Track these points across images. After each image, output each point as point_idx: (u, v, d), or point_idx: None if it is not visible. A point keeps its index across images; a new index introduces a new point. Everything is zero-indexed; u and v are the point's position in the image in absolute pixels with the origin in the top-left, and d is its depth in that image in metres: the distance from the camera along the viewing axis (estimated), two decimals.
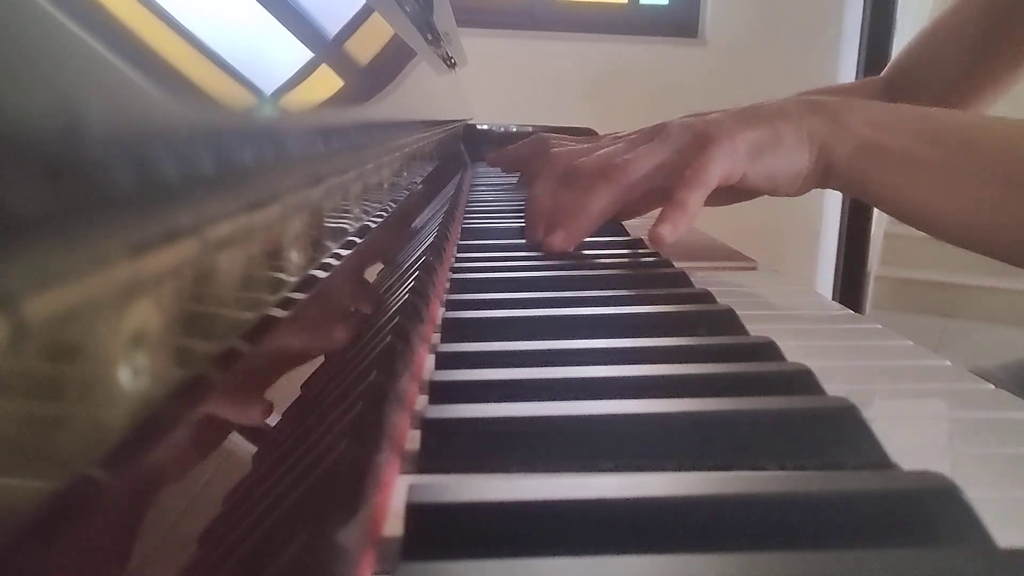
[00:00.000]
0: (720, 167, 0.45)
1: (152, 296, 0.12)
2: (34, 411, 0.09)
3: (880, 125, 0.46)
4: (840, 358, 0.32)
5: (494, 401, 0.23)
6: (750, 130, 0.47)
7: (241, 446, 0.21)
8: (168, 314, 0.12)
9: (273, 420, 0.23)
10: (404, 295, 0.30)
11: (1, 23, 0.09)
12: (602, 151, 0.52)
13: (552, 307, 0.34)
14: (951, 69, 0.76)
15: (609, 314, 0.33)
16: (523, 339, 0.29)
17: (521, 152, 0.81)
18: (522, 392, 0.23)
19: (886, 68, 0.84)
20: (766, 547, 0.16)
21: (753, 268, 0.51)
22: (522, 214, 0.68)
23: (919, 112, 0.48)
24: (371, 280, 0.40)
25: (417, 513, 0.16)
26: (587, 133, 1.29)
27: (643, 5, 2.40)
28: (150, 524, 0.15)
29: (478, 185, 0.98)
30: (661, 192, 0.48)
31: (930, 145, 0.45)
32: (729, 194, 0.50)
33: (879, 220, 2.26)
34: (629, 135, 0.55)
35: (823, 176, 0.48)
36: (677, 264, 0.46)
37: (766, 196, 0.52)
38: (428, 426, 0.21)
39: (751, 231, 1.51)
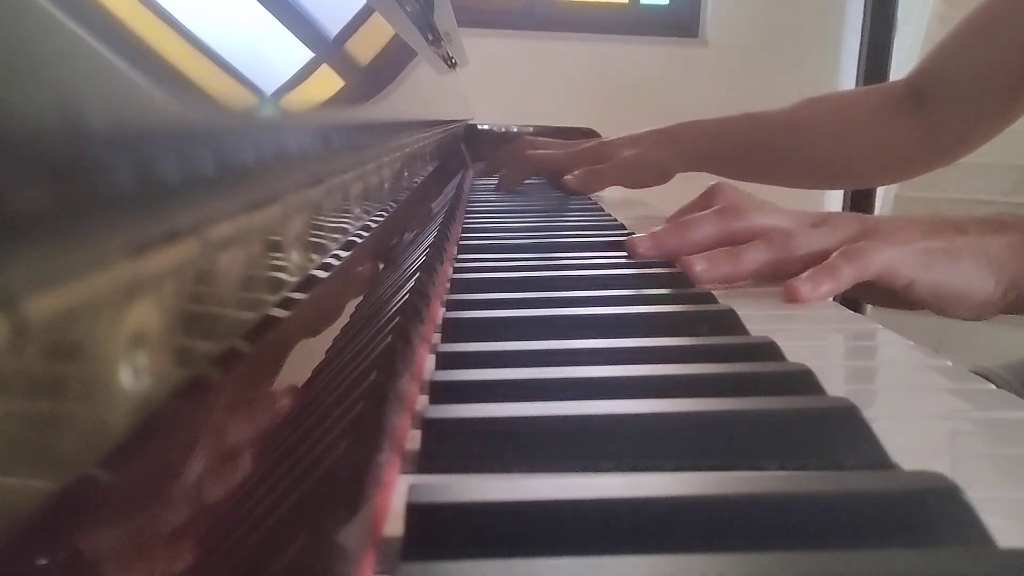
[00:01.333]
0: (885, 260, 0.42)
1: (152, 296, 0.12)
2: (34, 411, 0.09)
3: None
4: (840, 358, 0.32)
5: (494, 401, 0.23)
6: (922, 238, 0.43)
7: (241, 446, 0.21)
8: (168, 314, 0.12)
9: (273, 420, 0.23)
10: (405, 295, 0.30)
11: (1, 23, 0.09)
12: (770, 209, 0.49)
13: (553, 307, 0.34)
14: (993, 73, 0.74)
15: (609, 314, 0.33)
16: (523, 339, 0.29)
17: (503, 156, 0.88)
18: (522, 392, 0.23)
19: (910, 72, 0.83)
20: (766, 547, 0.16)
21: None
22: (523, 215, 0.69)
23: None
24: (370, 281, 0.40)
25: (417, 513, 0.16)
26: (588, 133, 1.29)
27: (643, 5, 2.40)
28: (150, 524, 0.15)
29: (479, 185, 0.98)
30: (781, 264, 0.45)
31: None
32: (890, 298, 0.46)
33: None
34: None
35: (1012, 305, 0.44)
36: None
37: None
38: (428, 426, 0.21)
39: None
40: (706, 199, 0.53)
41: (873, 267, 0.42)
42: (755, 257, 0.45)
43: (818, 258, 0.43)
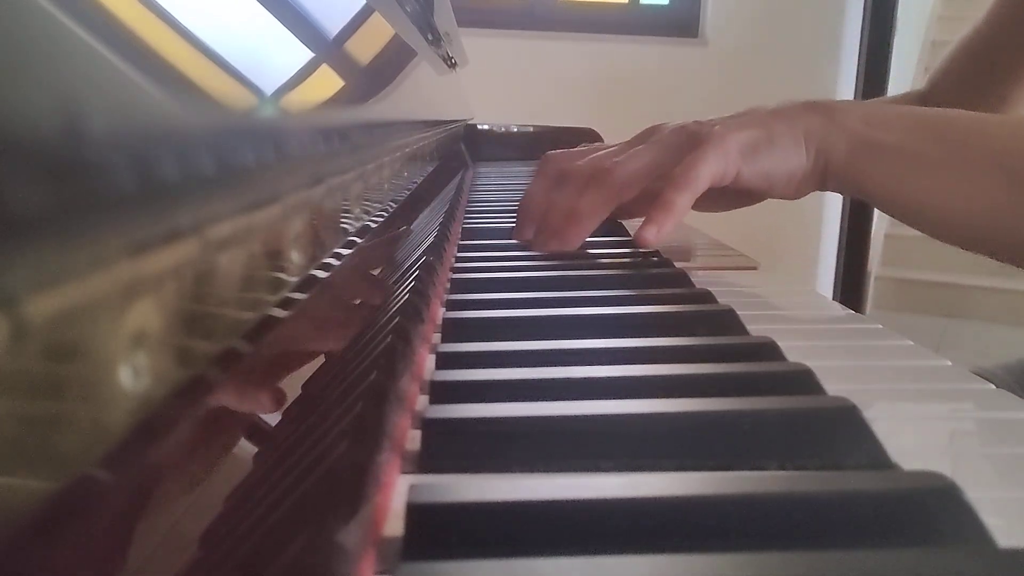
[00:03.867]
0: (710, 167, 0.45)
1: (152, 296, 0.12)
2: (34, 411, 0.09)
3: (877, 123, 0.46)
4: (840, 358, 0.32)
5: (494, 401, 0.23)
6: (743, 130, 0.46)
7: (241, 446, 0.21)
8: (168, 314, 0.12)
9: (273, 420, 0.23)
10: (405, 295, 0.30)
11: (1, 23, 0.09)
12: (595, 154, 0.52)
13: (552, 307, 0.34)
14: (986, 85, 0.76)
15: (609, 314, 0.33)
16: (523, 339, 0.29)
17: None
18: (522, 392, 0.23)
19: (926, 81, 0.85)
20: (766, 547, 0.16)
21: (753, 268, 0.51)
22: None
23: (918, 111, 0.48)
24: (371, 280, 0.40)
25: (418, 513, 0.16)
26: (588, 133, 1.29)
27: (643, 5, 2.40)
28: (150, 524, 0.15)
29: (478, 185, 0.98)
30: (653, 192, 0.47)
31: (929, 142, 0.44)
32: (727, 199, 0.50)
33: (879, 220, 2.26)
34: (624, 142, 0.55)
35: (821, 177, 0.47)
36: (678, 265, 0.46)
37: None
38: (429, 426, 0.21)
39: (751, 231, 1.51)
40: (543, 177, 0.55)
41: (701, 180, 0.44)
42: (594, 205, 0.47)
43: (649, 170, 0.47)
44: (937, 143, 0.44)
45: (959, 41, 0.80)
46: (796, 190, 0.48)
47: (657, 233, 0.44)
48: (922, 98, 0.84)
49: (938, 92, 0.82)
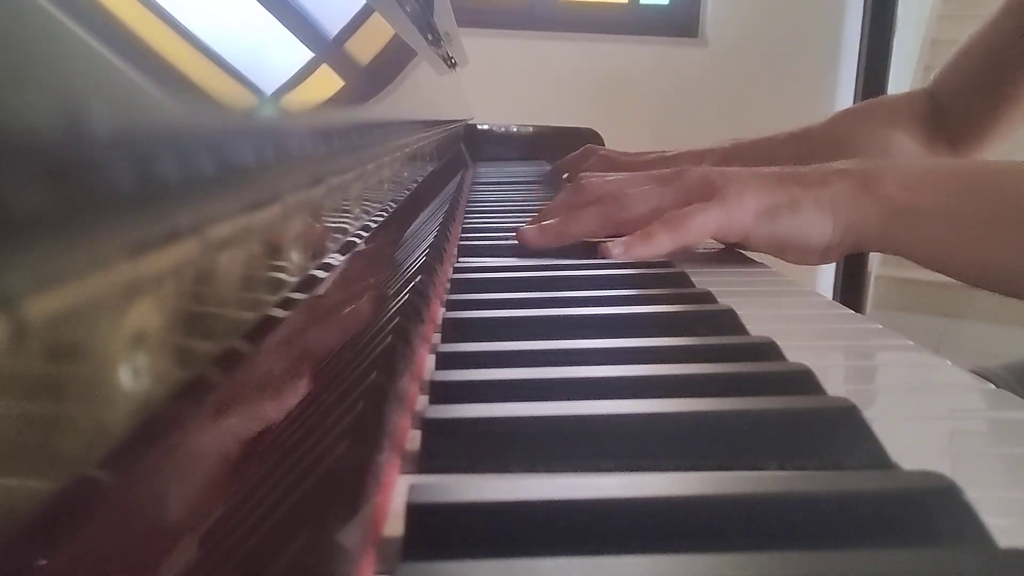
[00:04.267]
0: (711, 224, 0.45)
1: (152, 296, 0.12)
2: (34, 411, 0.09)
3: (913, 186, 0.45)
4: (840, 358, 0.32)
5: (494, 401, 0.23)
6: (764, 192, 0.46)
7: (242, 446, 0.21)
8: (168, 314, 0.12)
9: (273, 420, 0.23)
10: (405, 295, 0.30)
11: (1, 23, 0.09)
12: (618, 179, 0.52)
13: (552, 307, 0.34)
14: (993, 85, 0.77)
15: (609, 314, 0.33)
16: (523, 339, 0.29)
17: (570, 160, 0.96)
18: (522, 392, 0.23)
19: (931, 81, 0.86)
20: (766, 547, 0.16)
21: (754, 268, 0.51)
22: (523, 215, 0.69)
23: (952, 165, 0.48)
24: (371, 281, 0.40)
25: (418, 513, 0.16)
26: (588, 133, 1.29)
27: (643, 5, 2.40)
28: (150, 524, 0.15)
29: (478, 185, 0.98)
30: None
31: (965, 199, 0.44)
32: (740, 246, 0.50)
33: None
34: (657, 166, 0.55)
35: (853, 246, 0.46)
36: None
37: None
38: (429, 426, 0.21)
39: None
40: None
41: (695, 232, 0.45)
42: (584, 220, 0.48)
43: (655, 215, 0.46)
44: (972, 199, 0.44)
45: (967, 39, 0.80)
46: (818, 258, 0.47)
47: (622, 254, 0.45)
48: (928, 97, 0.84)
49: (945, 91, 0.83)
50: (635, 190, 0.49)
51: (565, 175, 1.01)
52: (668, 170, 0.51)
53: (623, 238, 0.45)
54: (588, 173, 0.56)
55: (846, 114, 0.91)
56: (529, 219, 0.54)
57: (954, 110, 0.81)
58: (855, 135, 0.86)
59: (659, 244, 0.45)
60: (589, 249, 0.49)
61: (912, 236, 0.45)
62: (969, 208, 0.44)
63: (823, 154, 0.86)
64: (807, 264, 0.48)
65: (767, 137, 0.88)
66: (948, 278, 0.47)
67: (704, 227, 0.45)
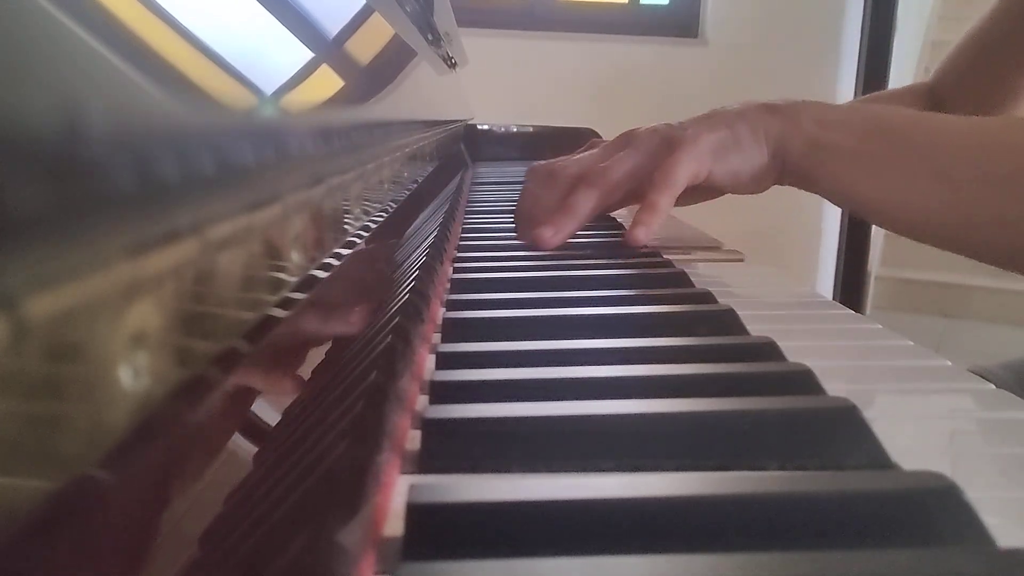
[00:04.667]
0: (686, 169, 0.49)
1: (152, 296, 0.12)
2: (34, 411, 0.09)
3: (829, 124, 0.49)
4: (840, 358, 0.32)
5: (494, 401, 0.23)
6: (712, 132, 0.51)
7: (242, 446, 0.21)
8: (168, 314, 0.12)
9: (273, 420, 0.23)
10: (404, 295, 0.30)
11: (1, 23, 0.09)
12: (579, 158, 0.57)
13: (552, 307, 0.34)
14: (990, 78, 0.78)
15: (609, 314, 0.33)
16: (523, 339, 0.29)
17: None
18: (522, 392, 0.23)
19: (932, 75, 0.86)
20: (766, 547, 0.16)
21: (740, 260, 0.54)
22: None
23: (873, 112, 0.51)
24: (371, 281, 0.40)
25: (418, 513, 0.16)
26: (588, 133, 1.29)
27: (643, 5, 2.40)
28: (150, 524, 0.15)
29: (478, 185, 0.98)
30: (636, 192, 0.52)
31: (875, 142, 0.48)
32: (696, 194, 0.54)
33: None
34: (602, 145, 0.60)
35: (779, 173, 0.51)
36: (664, 254, 0.46)
37: (765, 197, 0.55)
38: (428, 426, 0.21)
39: (751, 231, 1.51)
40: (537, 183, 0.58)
41: (680, 181, 0.50)
42: (585, 201, 0.52)
43: (632, 175, 0.52)
44: (882, 143, 0.48)
45: (967, 33, 0.81)
46: (758, 186, 0.52)
47: (646, 233, 0.49)
48: (929, 91, 0.84)
49: (945, 85, 0.83)
50: (611, 161, 0.53)
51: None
52: (617, 137, 0.56)
53: (635, 219, 0.50)
54: (535, 164, 0.59)
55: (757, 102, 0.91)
56: (515, 224, 0.57)
57: (955, 105, 0.82)
58: None
59: (663, 206, 0.49)
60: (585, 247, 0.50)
61: (825, 171, 0.49)
62: (876, 150, 0.48)
63: None
64: (749, 193, 0.53)
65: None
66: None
67: (684, 176, 0.49)
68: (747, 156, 0.51)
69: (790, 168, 0.50)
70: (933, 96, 0.84)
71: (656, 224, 0.50)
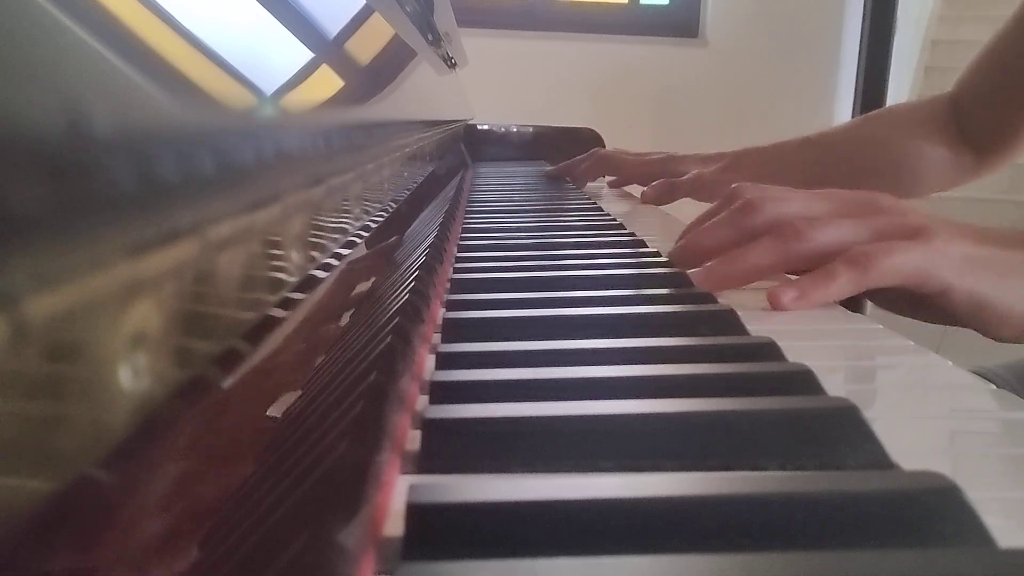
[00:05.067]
0: (913, 266, 0.37)
1: (152, 296, 0.12)
2: (34, 411, 0.09)
3: None
4: (840, 358, 0.32)
5: (494, 401, 0.23)
6: (972, 245, 0.39)
7: (242, 446, 0.21)
8: (168, 314, 0.12)
9: (273, 420, 0.23)
10: (404, 295, 0.30)
11: (1, 23, 0.09)
12: (784, 195, 0.44)
13: (552, 307, 0.34)
14: (1012, 89, 0.76)
15: (609, 314, 0.33)
16: (523, 339, 0.29)
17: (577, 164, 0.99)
18: (522, 392, 0.23)
19: (954, 84, 0.84)
20: (766, 547, 0.16)
21: None
22: (522, 214, 0.69)
23: None
24: (371, 281, 0.40)
25: (418, 513, 0.16)
26: (588, 133, 1.29)
27: (643, 5, 2.40)
28: (150, 524, 0.15)
29: (478, 185, 0.98)
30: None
31: None
32: (915, 308, 0.42)
33: None
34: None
35: None
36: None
37: None
38: (429, 426, 0.21)
39: None
40: (726, 201, 0.47)
41: (891, 273, 0.37)
42: (758, 257, 0.41)
43: (843, 249, 0.38)
44: None
45: (987, 44, 0.79)
46: (1013, 332, 0.40)
47: (795, 301, 0.38)
48: (951, 103, 0.83)
49: (966, 97, 0.81)
50: (820, 218, 0.41)
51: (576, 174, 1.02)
52: (857, 194, 0.43)
53: (796, 281, 0.38)
54: (746, 184, 0.46)
55: (868, 120, 0.90)
56: (677, 237, 0.48)
57: (977, 117, 0.80)
58: (878, 142, 0.85)
59: (841, 287, 0.37)
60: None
61: None
62: None
63: (841, 159, 0.86)
64: (999, 339, 0.41)
65: (775, 145, 0.88)
66: None
67: (899, 270, 0.37)
68: (1010, 290, 0.38)
69: None
70: (956, 109, 0.83)
71: (817, 299, 0.38)
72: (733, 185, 0.47)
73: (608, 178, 1.06)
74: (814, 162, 0.86)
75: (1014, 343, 0.41)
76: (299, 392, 0.25)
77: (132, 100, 0.12)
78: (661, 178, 0.88)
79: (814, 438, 0.21)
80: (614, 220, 0.64)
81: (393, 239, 0.47)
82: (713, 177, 0.83)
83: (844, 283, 0.37)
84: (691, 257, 0.44)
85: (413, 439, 0.22)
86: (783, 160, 0.86)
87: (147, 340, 0.12)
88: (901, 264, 0.37)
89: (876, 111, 0.96)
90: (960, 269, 0.38)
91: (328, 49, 0.32)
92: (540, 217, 0.68)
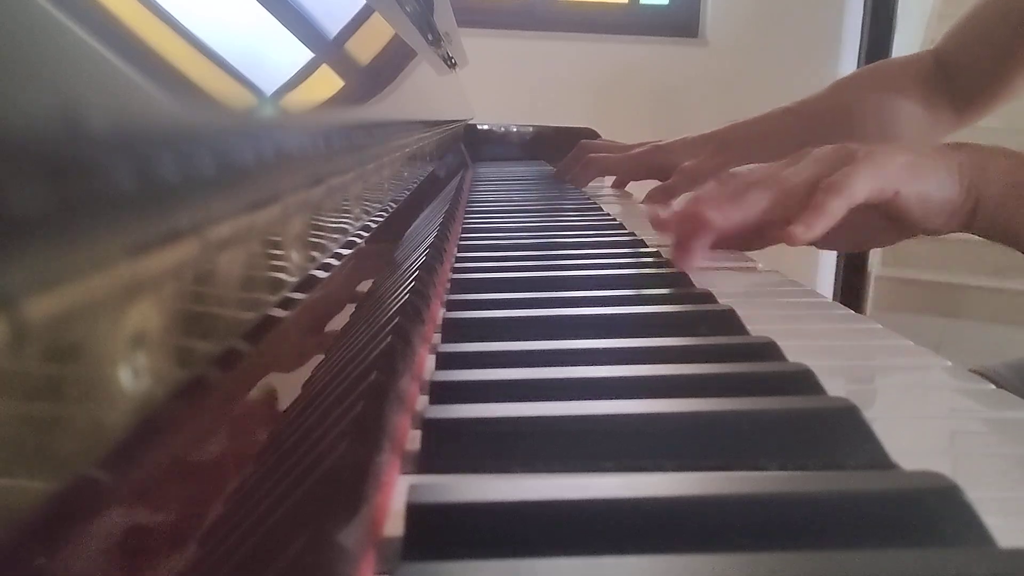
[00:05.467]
0: (867, 180, 0.45)
1: (152, 297, 0.12)
2: (34, 411, 0.09)
3: (1021, 164, 0.46)
4: (840, 358, 0.32)
5: (494, 401, 0.23)
6: (900, 154, 0.46)
7: (242, 446, 0.21)
8: (168, 315, 0.12)
9: (274, 420, 0.23)
10: (405, 295, 0.30)
11: (1, 23, 0.09)
12: (755, 166, 0.52)
13: (552, 307, 0.34)
14: (999, 49, 0.77)
15: (609, 314, 0.33)
16: (523, 339, 0.29)
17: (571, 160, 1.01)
18: (522, 392, 0.23)
19: (938, 41, 0.85)
20: (766, 547, 0.16)
21: (753, 268, 0.51)
22: (522, 214, 0.69)
23: None
24: (371, 281, 0.40)
25: (418, 513, 0.16)
26: (588, 133, 1.29)
27: (643, 5, 2.40)
28: (150, 524, 0.15)
29: (478, 185, 0.98)
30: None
31: None
32: (878, 230, 0.50)
33: None
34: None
35: (970, 214, 0.47)
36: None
37: None
38: (429, 426, 0.21)
39: None
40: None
41: (857, 190, 0.44)
42: (758, 198, 0.47)
43: (811, 183, 0.46)
44: None
45: (975, 2, 0.80)
46: (946, 223, 0.48)
47: (805, 232, 0.44)
48: (934, 58, 0.84)
49: (952, 52, 0.82)
50: (787, 170, 0.49)
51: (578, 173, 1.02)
52: (796, 154, 0.51)
53: (798, 218, 0.45)
54: (724, 174, 0.54)
55: (848, 82, 0.90)
56: (666, 209, 0.54)
57: (961, 70, 0.81)
58: (856, 102, 0.86)
59: (832, 210, 0.44)
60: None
61: (1021, 213, 0.46)
62: None
63: (823, 125, 0.87)
64: (936, 232, 0.48)
65: (759, 117, 0.89)
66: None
67: (863, 186, 0.45)
68: (940, 184, 0.46)
69: (984, 209, 0.47)
70: (938, 64, 0.84)
71: (820, 227, 0.44)
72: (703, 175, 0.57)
73: (609, 178, 1.06)
74: (799, 130, 0.87)
75: (945, 232, 0.48)
76: (299, 391, 0.25)
77: (132, 100, 0.12)
78: (650, 168, 0.90)
79: (814, 438, 0.21)
80: (614, 220, 0.64)
81: (393, 239, 0.47)
82: (702, 166, 0.84)
83: (834, 206, 0.44)
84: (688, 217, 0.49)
85: (413, 439, 0.22)
86: (768, 132, 0.88)
87: (147, 340, 0.12)
88: (862, 181, 0.45)
89: (858, 71, 0.96)
90: (901, 174, 0.46)
91: (328, 49, 0.32)
92: (540, 217, 0.68)
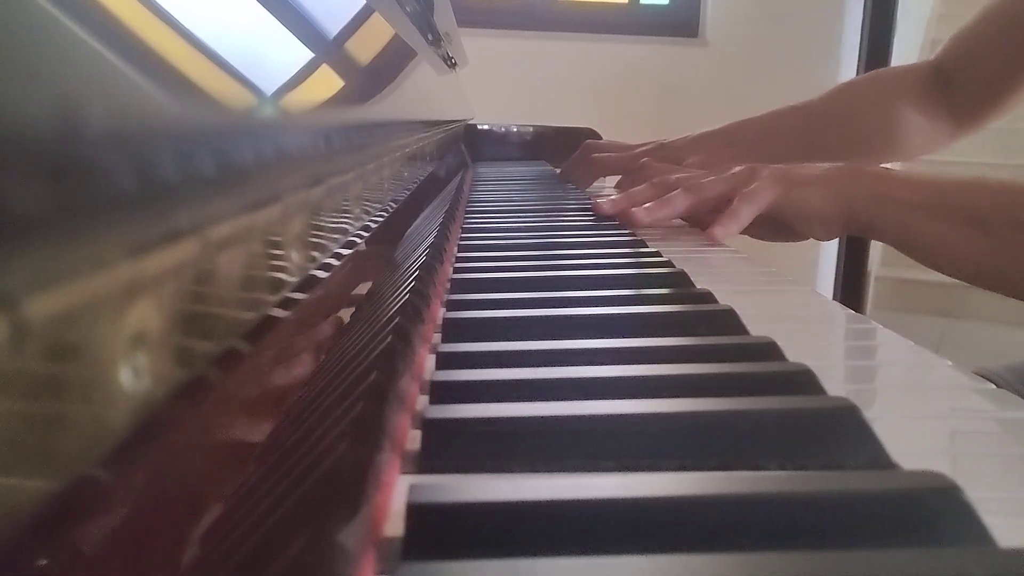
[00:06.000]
0: (768, 192, 0.59)
1: (152, 296, 0.12)
2: (34, 411, 0.09)
3: (894, 184, 0.57)
4: (840, 358, 0.32)
5: (495, 401, 0.23)
6: (791, 172, 0.60)
7: (242, 446, 0.22)
8: (168, 314, 0.12)
9: (273, 420, 0.23)
10: (405, 295, 0.30)
11: (1, 23, 0.09)
12: (682, 174, 0.68)
13: (553, 307, 0.34)
14: (1000, 59, 0.79)
15: (609, 314, 0.33)
16: (523, 339, 0.29)
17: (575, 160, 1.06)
18: (522, 392, 0.23)
19: (937, 54, 0.86)
20: (766, 547, 0.16)
21: (735, 251, 0.56)
22: (523, 214, 0.69)
23: (931, 176, 0.58)
24: (371, 281, 0.40)
25: (418, 513, 0.16)
26: (587, 133, 1.29)
27: (643, 5, 2.40)
28: (150, 524, 0.15)
29: (478, 185, 0.98)
30: (720, 210, 0.61)
31: (931, 197, 0.55)
32: (774, 228, 0.62)
33: None
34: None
35: (845, 222, 0.58)
36: (656, 247, 0.46)
37: None
38: (429, 426, 0.21)
39: None
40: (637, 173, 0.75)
41: (763, 201, 0.59)
42: (681, 202, 0.63)
43: (722, 196, 0.61)
44: (932, 195, 0.55)
45: (981, 10, 0.81)
46: (824, 228, 0.59)
47: (723, 232, 0.58)
48: (934, 68, 0.85)
49: (953, 61, 0.84)
50: (707, 180, 0.63)
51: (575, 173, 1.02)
52: (722, 166, 0.65)
53: (718, 221, 0.59)
54: (647, 161, 0.73)
55: (850, 86, 0.93)
56: (605, 199, 0.67)
57: (964, 78, 0.82)
58: (859, 108, 0.88)
59: (743, 216, 0.58)
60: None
61: (887, 219, 0.56)
62: (928, 201, 0.55)
63: (827, 127, 0.88)
64: (819, 237, 0.61)
65: (767, 115, 0.92)
66: (948, 279, 0.57)
67: (765, 199, 0.59)
68: (817, 194, 0.58)
69: (856, 216, 0.57)
70: (937, 74, 0.84)
71: (734, 229, 0.58)
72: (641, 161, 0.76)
73: (610, 179, 1.06)
74: (804, 130, 0.89)
75: (826, 239, 0.61)
76: (299, 392, 0.25)
77: (132, 100, 0.12)
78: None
79: (814, 438, 0.21)
80: (613, 219, 0.64)
81: (393, 239, 0.47)
82: (709, 163, 0.86)
83: (744, 214, 0.59)
84: (626, 206, 0.64)
85: (413, 439, 0.22)
86: (773, 130, 0.90)
87: (147, 340, 0.12)
88: (764, 195, 0.59)
89: (860, 77, 0.98)
90: (788, 183, 0.59)
91: (328, 49, 0.32)
92: (540, 217, 0.68)
